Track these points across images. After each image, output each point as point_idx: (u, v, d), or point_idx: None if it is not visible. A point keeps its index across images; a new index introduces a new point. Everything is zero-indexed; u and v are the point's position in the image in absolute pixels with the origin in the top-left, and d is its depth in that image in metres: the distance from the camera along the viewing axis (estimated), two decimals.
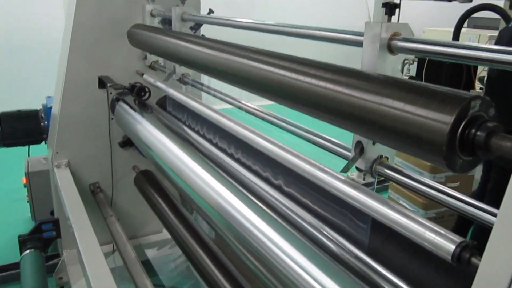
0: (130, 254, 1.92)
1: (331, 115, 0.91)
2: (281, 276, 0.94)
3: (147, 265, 1.81)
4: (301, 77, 0.98)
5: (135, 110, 2.04)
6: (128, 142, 2.45)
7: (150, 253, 2.61)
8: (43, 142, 2.79)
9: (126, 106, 2.12)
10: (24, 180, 3.16)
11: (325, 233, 1.01)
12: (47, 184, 2.93)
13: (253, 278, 1.51)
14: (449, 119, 0.68)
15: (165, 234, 2.75)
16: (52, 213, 2.89)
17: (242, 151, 1.49)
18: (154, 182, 2.24)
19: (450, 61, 0.83)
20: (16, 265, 2.73)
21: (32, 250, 2.34)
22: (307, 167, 1.04)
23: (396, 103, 0.76)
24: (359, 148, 0.96)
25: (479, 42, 5.14)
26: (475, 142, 0.69)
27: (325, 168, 1.01)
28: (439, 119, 0.69)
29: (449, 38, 3.61)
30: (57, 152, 2.35)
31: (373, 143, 0.95)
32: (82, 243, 1.63)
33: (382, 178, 0.97)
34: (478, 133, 0.68)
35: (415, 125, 0.72)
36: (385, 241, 0.92)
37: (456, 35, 3.39)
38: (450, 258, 0.73)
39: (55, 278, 2.49)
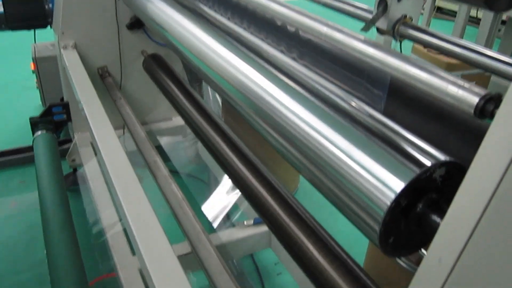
0: (141, 135, 1.93)
1: None
2: (295, 139, 0.92)
3: (158, 150, 1.82)
4: None
5: None
6: (136, 24, 2.36)
7: (160, 140, 2.64)
8: (49, 27, 2.71)
9: None
10: (32, 66, 3.13)
11: (342, 97, 0.97)
12: (56, 70, 2.89)
13: (266, 156, 1.51)
14: None
15: (174, 122, 2.77)
16: (62, 99, 2.88)
17: (255, 24, 1.42)
18: (163, 66, 2.18)
19: None
20: (29, 149, 2.79)
21: (44, 131, 2.37)
22: (324, 28, 0.98)
23: None
24: (383, 6, 0.89)
25: None
26: None
27: (343, 29, 0.95)
28: None
29: None
30: (63, 33, 2.28)
31: (398, 0, 0.88)
32: (93, 123, 1.61)
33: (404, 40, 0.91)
34: None
35: None
36: (404, 104, 0.89)
37: None
38: (472, 111, 0.70)
39: (68, 160, 2.55)
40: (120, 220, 1.93)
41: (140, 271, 1.67)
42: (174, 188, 1.58)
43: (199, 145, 2.65)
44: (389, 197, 0.67)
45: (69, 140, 2.71)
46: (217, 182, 2.32)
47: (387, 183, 0.68)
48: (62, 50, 2.28)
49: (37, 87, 3.20)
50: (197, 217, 1.44)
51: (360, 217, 0.73)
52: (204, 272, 1.29)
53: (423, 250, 1.55)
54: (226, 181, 2.24)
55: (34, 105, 3.49)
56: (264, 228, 1.90)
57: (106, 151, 1.43)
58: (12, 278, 2.01)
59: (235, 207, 2.15)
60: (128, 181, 1.28)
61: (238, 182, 1.41)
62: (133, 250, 1.79)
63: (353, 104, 0.94)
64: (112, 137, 1.51)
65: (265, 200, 1.27)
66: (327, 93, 0.99)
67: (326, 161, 0.81)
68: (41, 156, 2.18)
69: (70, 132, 2.74)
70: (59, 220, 1.75)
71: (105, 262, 1.95)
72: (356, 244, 1.46)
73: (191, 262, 1.45)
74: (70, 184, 2.48)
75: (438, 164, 0.66)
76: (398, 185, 0.66)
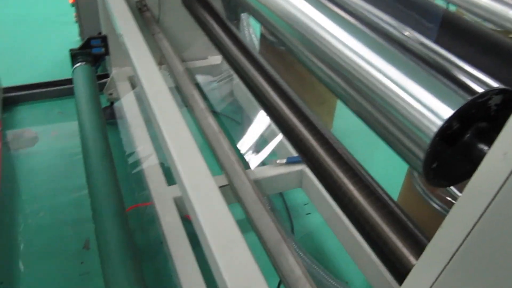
0: (179, 69, 1.93)
1: None
2: (342, 68, 0.90)
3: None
4: None
5: None
6: None
7: (196, 78, 2.64)
8: None
9: None
10: (70, 0, 3.14)
11: (392, 24, 0.94)
12: (94, 3, 2.89)
13: (303, 96, 1.50)
14: None
15: (210, 60, 2.75)
16: (100, 34, 2.89)
17: None
18: (202, 1, 2.15)
19: None
20: (68, 81, 2.85)
21: (84, 63, 2.41)
22: None
23: None
24: None
25: None
26: None
27: None
28: None
29: None
30: None
31: None
32: (134, 55, 1.62)
33: None
34: None
35: None
36: (458, 36, 0.86)
37: None
38: None
39: (105, 94, 2.60)
40: (156, 152, 1.97)
41: (175, 200, 1.73)
42: (210, 122, 1.59)
43: (234, 85, 2.64)
44: (436, 123, 0.66)
45: (106, 75, 2.74)
46: (250, 122, 2.33)
47: (435, 109, 0.67)
48: None
49: (76, 21, 3.22)
50: (233, 150, 1.46)
51: (405, 144, 0.73)
52: (240, 205, 1.32)
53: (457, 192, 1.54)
54: (259, 121, 2.25)
55: (72, 40, 3.52)
56: (296, 168, 1.91)
57: (148, 83, 1.44)
58: (52, 200, 2.11)
59: (267, 145, 2.17)
60: (170, 113, 1.30)
61: (276, 117, 1.41)
62: (169, 180, 1.85)
63: (405, 32, 0.92)
64: (153, 69, 1.52)
65: (303, 136, 1.27)
66: (375, 19, 0.96)
67: (373, 89, 0.80)
68: (80, 86, 2.23)
69: (107, 66, 2.77)
70: (98, 149, 1.81)
71: (141, 191, 2.02)
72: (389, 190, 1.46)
73: (227, 194, 1.48)
74: (108, 117, 2.53)
75: (491, 91, 0.64)
76: (446, 111, 0.65)
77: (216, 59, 2.73)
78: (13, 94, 2.74)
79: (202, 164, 1.13)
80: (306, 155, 1.25)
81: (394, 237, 1.01)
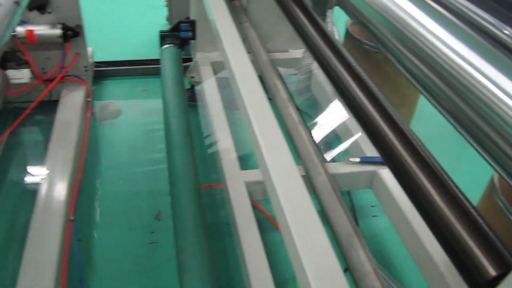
0: (264, 58, 1.97)
1: None
2: (438, 66, 0.90)
3: None
4: None
5: None
6: None
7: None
8: None
9: None
10: None
11: (492, 22, 0.92)
12: None
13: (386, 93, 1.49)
14: None
15: (291, 54, 2.79)
16: (187, 18, 3.00)
17: None
18: None
19: None
20: (153, 61, 2.99)
21: (171, 45, 2.52)
22: None
23: None
24: None
25: None
26: None
27: None
28: None
29: None
30: None
31: None
32: (226, 41, 1.68)
33: None
34: None
35: None
36: None
37: None
38: None
39: (187, 76, 2.70)
40: (232, 137, 2.04)
41: (246, 185, 1.78)
42: (291, 112, 1.62)
43: (312, 80, 2.66)
44: None
45: (188, 59, 2.85)
46: (325, 118, 2.34)
47: None
48: None
49: (166, 5, 3.36)
50: (312, 142, 1.48)
51: (501, 148, 0.72)
52: (315, 196, 1.34)
53: None
54: (335, 118, 2.25)
55: (159, 23, 3.68)
56: (369, 168, 1.90)
57: (238, 70, 1.49)
58: (130, 171, 2.24)
59: (342, 142, 2.17)
60: (258, 100, 1.34)
61: (359, 114, 1.42)
62: (242, 165, 1.90)
63: (505, 31, 0.89)
64: (244, 56, 1.57)
65: (386, 135, 1.26)
66: (474, 16, 0.94)
67: (474, 91, 0.79)
68: (167, 67, 2.34)
69: (192, 51, 2.88)
70: (180, 127, 1.90)
71: (214, 172, 2.09)
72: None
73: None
74: (188, 99, 2.63)
75: None
76: None
77: (297, 53, 2.76)
78: (103, 68, 2.91)
79: (287, 151, 1.16)
80: (387, 154, 1.25)
81: (474, 245, 0.99)
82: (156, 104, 2.69)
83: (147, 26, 3.65)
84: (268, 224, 1.94)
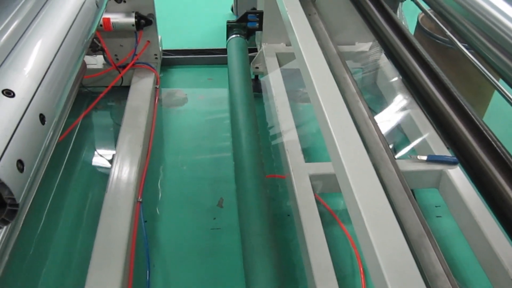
0: (333, 51, 1.96)
1: None
2: None
3: None
4: None
5: None
6: None
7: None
8: None
9: None
10: None
11: None
12: None
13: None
14: None
15: (357, 47, 2.74)
16: (253, 9, 3.02)
17: None
18: None
19: None
20: (218, 51, 3.04)
21: (238, 35, 2.55)
22: None
23: None
24: None
25: None
26: None
27: None
28: None
29: None
30: None
31: None
32: (298, 32, 1.67)
33: None
34: None
35: None
36: None
37: None
38: None
39: (252, 67, 2.72)
40: (297, 129, 2.04)
41: (310, 177, 1.78)
42: (361, 106, 1.60)
43: (378, 74, 2.60)
44: None
45: (253, 49, 2.87)
46: (391, 113, 2.29)
47: None
48: None
49: None
50: (383, 137, 1.46)
51: None
52: (383, 189, 1.33)
53: None
54: (402, 113, 2.20)
55: (224, 13, 3.73)
56: (436, 167, 1.85)
57: (310, 61, 1.49)
58: (194, 157, 2.30)
59: (407, 139, 2.13)
60: (331, 92, 1.34)
61: (432, 110, 1.38)
62: (306, 157, 1.90)
63: None
64: (315, 48, 1.57)
65: (461, 132, 1.23)
66: None
67: None
68: (234, 57, 2.37)
69: (257, 41, 2.90)
70: (246, 116, 1.92)
71: (278, 163, 2.11)
72: None
73: None
74: (253, 89, 2.66)
75: None
76: None
77: (364, 46, 2.71)
78: (170, 56, 2.99)
79: (360, 145, 1.15)
80: (461, 152, 1.21)
81: None
82: (220, 93, 2.74)
83: (211, 15, 3.71)
84: (329, 218, 1.94)
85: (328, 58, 1.91)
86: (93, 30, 1.32)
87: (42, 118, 0.92)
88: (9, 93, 0.84)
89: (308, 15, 2.27)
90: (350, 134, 1.18)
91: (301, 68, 1.56)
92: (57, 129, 1.15)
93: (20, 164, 0.80)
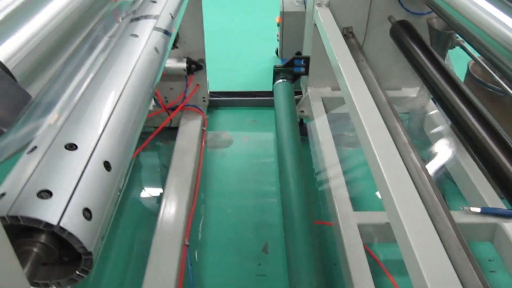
0: (382, 99, 1.96)
1: None
2: None
3: None
4: None
5: None
6: None
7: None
8: None
9: None
10: (277, 20, 3.40)
11: None
12: (297, 25, 3.10)
13: None
14: None
15: (403, 92, 2.73)
16: (298, 53, 3.07)
17: None
18: (412, 33, 2.15)
19: None
20: (262, 93, 3.09)
21: (284, 80, 2.59)
22: None
23: None
24: None
25: None
26: None
27: None
28: None
29: None
30: None
31: None
32: (348, 79, 1.69)
33: None
34: None
35: None
36: None
37: None
38: None
39: (297, 110, 2.75)
40: (344, 176, 2.02)
41: (359, 226, 1.75)
42: (413, 157, 1.58)
43: (426, 120, 2.57)
44: None
45: (298, 93, 2.90)
46: (440, 160, 2.25)
47: None
48: (316, 7, 2.41)
49: (278, 39, 3.47)
50: (437, 190, 1.43)
51: None
52: (442, 243, 1.29)
53: None
54: (452, 161, 2.16)
55: (269, 56, 3.80)
56: (490, 220, 1.78)
57: (362, 108, 1.50)
58: (239, 201, 2.30)
59: (458, 188, 2.07)
60: (384, 141, 1.33)
61: (484, 156, 1.37)
62: (354, 205, 1.88)
63: None
64: (366, 95, 1.58)
65: None
66: None
67: None
68: (281, 101, 2.41)
69: (302, 85, 2.94)
70: (294, 160, 1.93)
71: (325, 209, 2.09)
72: None
73: None
74: None
75: None
76: None
77: (410, 91, 2.70)
78: (216, 98, 3.06)
79: (416, 197, 1.14)
80: None
81: None
82: (265, 136, 2.77)
83: (257, 58, 3.79)
84: (376, 268, 1.89)
85: (378, 105, 1.91)
86: (157, 80, 1.36)
87: (107, 165, 0.95)
88: (71, 147, 0.87)
89: (356, 62, 2.30)
90: (406, 185, 1.17)
91: (352, 116, 1.57)
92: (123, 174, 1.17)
93: (87, 212, 0.82)
